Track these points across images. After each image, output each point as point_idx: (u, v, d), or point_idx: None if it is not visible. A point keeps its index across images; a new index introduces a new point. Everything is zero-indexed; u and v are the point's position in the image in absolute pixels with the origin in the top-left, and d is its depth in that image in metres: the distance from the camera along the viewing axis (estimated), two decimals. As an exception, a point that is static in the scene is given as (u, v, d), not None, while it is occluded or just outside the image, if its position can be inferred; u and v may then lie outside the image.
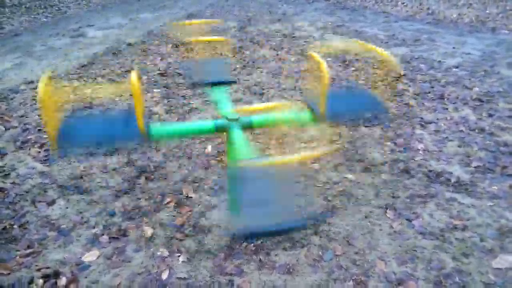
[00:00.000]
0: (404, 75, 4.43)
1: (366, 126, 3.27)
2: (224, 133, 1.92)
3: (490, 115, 3.47)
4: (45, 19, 7.93)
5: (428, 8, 8.64)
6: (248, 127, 1.88)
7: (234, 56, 5.13)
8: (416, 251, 2.02)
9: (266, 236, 1.22)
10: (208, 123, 1.88)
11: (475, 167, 2.73)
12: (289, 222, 1.21)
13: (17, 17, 8.02)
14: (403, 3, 9.38)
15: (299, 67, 4.75)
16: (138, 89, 1.48)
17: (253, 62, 4.94)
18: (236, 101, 3.78)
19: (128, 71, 4.56)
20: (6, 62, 4.98)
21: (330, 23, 7.26)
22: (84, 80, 4.31)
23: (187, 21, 2.52)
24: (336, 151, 2.64)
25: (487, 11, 8.16)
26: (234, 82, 2.38)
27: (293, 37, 6.17)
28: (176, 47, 5.58)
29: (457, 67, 4.72)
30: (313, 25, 7.07)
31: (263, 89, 4.05)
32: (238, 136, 1.77)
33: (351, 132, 3.17)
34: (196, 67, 2.29)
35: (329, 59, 5.00)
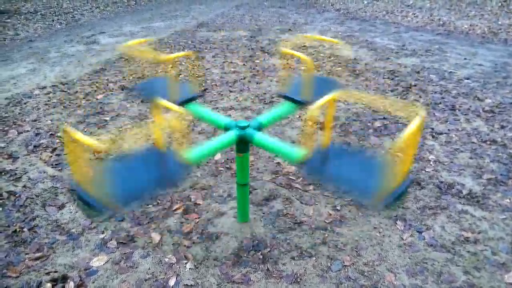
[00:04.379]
0: (414, 85, 4.41)
1: (376, 136, 3.25)
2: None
3: (503, 127, 3.43)
4: (59, 26, 8.09)
5: (439, 19, 8.62)
6: (260, 128, 1.87)
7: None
8: (426, 263, 1.99)
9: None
10: (232, 136, 1.80)
11: (487, 179, 2.68)
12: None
13: (32, 24, 8.20)
14: (414, 14, 9.37)
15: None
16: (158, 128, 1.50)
17: (263, 70, 4.97)
18: (245, 109, 3.79)
19: (140, 78, 4.61)
20: (21, 68, 5.08)
21: (340, 33, 7.28)
22: (96, 87, 4.37)
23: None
24: None
25: (499, 22, 8.11)
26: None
27: (303, 46, 6.20)
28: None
29: (468, 78, 4.68)
30: (323, 35, 7.10)
31: (273, 98, 4.06)
32: (261, 138, 1.73)
33: (361, 142, 3.15)
34: None
35: (339, 68, 5.01)
